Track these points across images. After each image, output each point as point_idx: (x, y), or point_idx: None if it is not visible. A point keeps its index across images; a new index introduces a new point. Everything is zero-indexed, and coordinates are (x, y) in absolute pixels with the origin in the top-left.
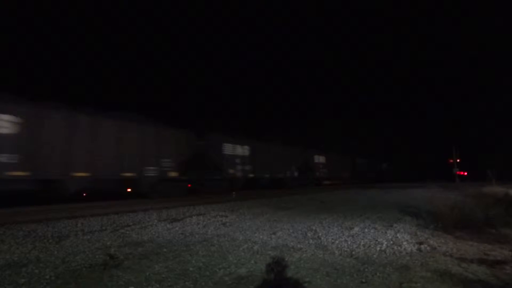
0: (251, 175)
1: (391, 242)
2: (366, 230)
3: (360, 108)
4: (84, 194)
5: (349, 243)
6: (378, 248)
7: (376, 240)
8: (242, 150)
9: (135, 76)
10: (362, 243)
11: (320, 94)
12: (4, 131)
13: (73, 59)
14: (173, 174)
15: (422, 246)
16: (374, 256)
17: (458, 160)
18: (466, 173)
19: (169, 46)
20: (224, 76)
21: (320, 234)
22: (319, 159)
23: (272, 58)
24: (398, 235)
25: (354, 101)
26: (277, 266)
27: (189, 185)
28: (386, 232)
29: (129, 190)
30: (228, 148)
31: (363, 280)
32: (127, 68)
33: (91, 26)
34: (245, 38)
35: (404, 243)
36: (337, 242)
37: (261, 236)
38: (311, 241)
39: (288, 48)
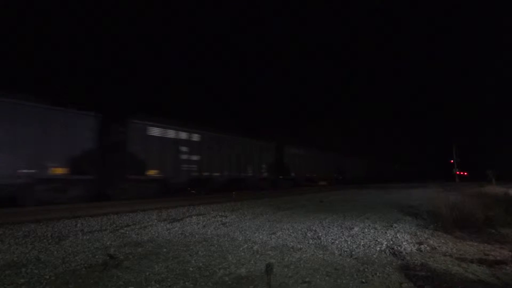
0: (307, 175)
1: (391, 242)
2: (366, 230)
3: (360, 109)
4: None
5: (349, 243)
6: (378, 248)
7: (376, 240)
8: (302, 155)
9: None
10: (362, 243)
11: (320, 95)
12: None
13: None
14: (264, 174)
15: (422, 246)
16: (374, 256)
17: (458, 160)
18: (466, 173)
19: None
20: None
21: (320, 234)
22: (346, 161)
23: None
24: (398, 235)
25: (356, 102)
26: (277, 266)
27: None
28: (386, 232)
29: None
30: (295, 155)
31: (363, 280)
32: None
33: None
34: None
35: (404, 243)
36: (337, 242)
37: (261, 236)
38: (311, 241)
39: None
